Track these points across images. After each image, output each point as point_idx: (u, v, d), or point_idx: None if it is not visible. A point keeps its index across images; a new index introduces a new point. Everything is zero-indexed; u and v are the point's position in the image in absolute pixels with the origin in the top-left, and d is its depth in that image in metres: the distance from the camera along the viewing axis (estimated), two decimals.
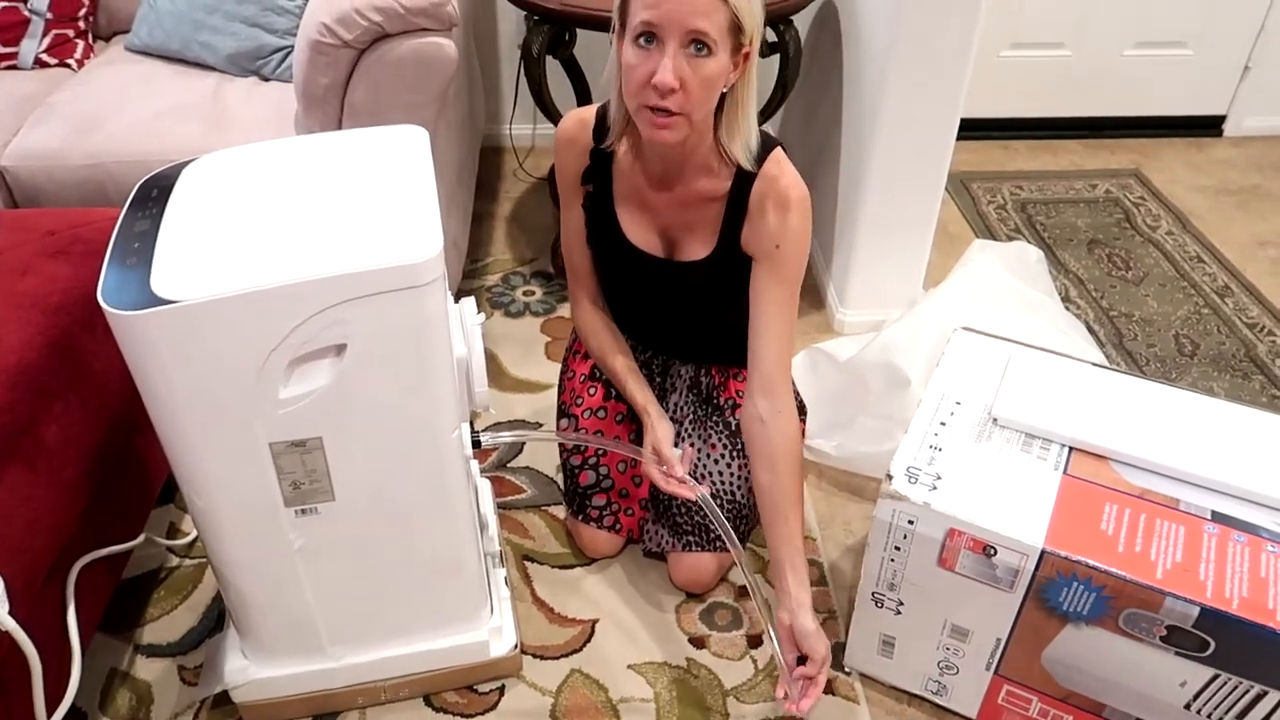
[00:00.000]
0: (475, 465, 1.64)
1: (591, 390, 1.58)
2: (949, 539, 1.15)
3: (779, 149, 1.30)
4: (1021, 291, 1.85)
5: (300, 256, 0.99)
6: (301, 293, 0.97)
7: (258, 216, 1.05)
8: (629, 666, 1.42)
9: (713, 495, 1.46)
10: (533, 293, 2.20)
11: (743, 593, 1.53)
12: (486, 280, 2.24)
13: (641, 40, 1.15)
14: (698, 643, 1.45)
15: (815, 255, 2.28)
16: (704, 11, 1.11)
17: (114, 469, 1.30)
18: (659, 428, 1.42)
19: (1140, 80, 2.84)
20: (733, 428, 1.52)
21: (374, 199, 1.08)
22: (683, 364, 1.58)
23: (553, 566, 1.58)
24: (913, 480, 1.18)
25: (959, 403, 1.29)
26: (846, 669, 1.41)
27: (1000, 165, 2.77)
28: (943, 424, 1.26)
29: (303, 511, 1.14)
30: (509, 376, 1.95)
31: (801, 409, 1.51)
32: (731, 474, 1.50)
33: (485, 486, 1.64)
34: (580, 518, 1.54)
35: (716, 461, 1.50)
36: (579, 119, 1.38)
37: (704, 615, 1.50)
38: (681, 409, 1.56)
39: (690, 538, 1.48)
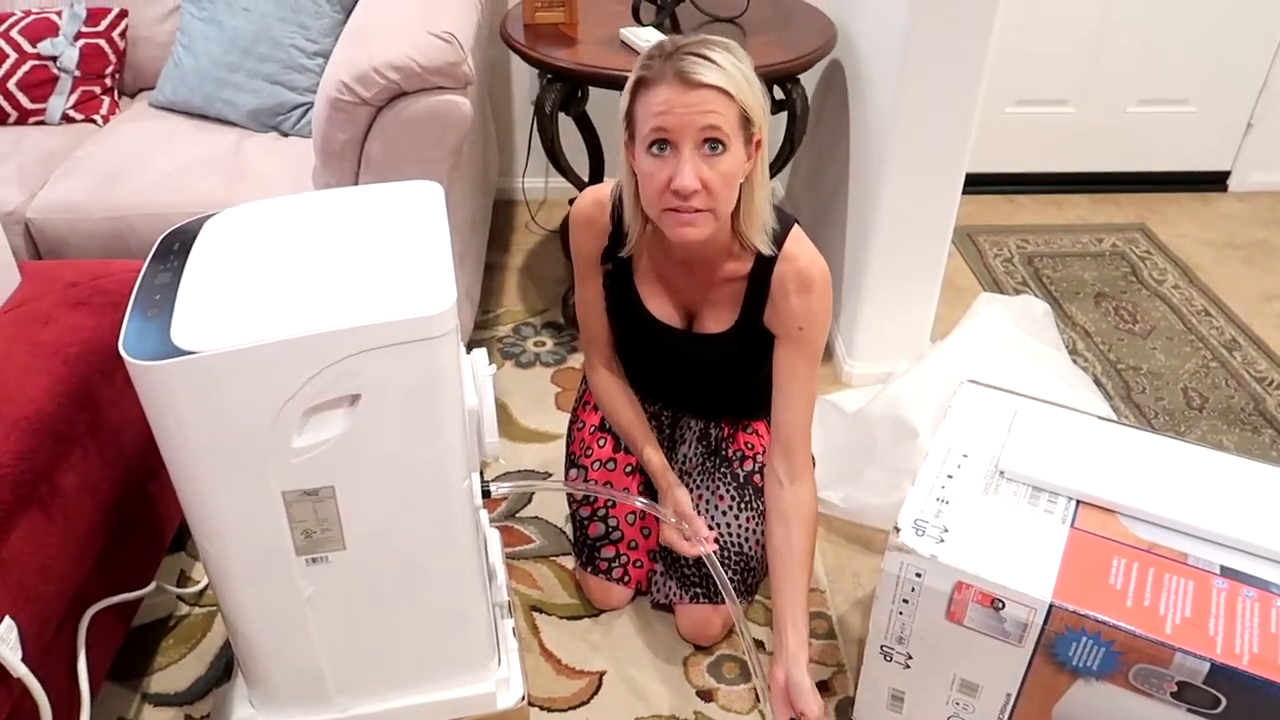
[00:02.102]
0: (485, 515, 1.65)
1: (601, 442, 1.59)
2: (957, 592, 1.15)
3: (796, 226, 1.33)
4: (1028, 344, 1.86)
5: (317, 309, 1.01)
6: (317, 344, 0.99)
7: (276, 270, 1.08)
8: (638, 719, 1.41)
9: (720, 546, 1.47)
10: (544, 343, 2.22)
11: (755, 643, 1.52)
12: (498, 331, 2.26)
13: (655, 148, 1.18)
14: (706, 695, 1.45)
15: None
16: (714, 110, 1.14)
17: (128, 517, 1.31)
18: (678, 492, 1.46)
19: (1144, 136, 2.88)
20: (740, 480, 1.53)
21: (389, 253, 1.10)
22: (693, 416, 1.59)
23: (561, 617, 1.58)
24: (920, 533, 1.18)
25: (966, 455, 1.30)
26: None
27: (1006, 219, 2.80)
28: (950, 477, 1.27)
29: (314, 560, 1.15)
30: (519, 426, 1.97)
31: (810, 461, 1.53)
32: (740, 526, 1.50)
33: (494, 536, 1.65)
34: (589, 569, 1.54)
35: (724, 513, 1.50)
36: (595, 200, 1.39)
37: (712, 668, 1.49)
38: (690, 460, 1.57)
39: (697, 589, 1.48)
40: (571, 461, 1.61)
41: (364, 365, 1.01)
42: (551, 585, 1.63)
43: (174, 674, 1.47)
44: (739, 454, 1.56)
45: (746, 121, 1.19)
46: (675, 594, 1.50)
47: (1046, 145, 2.88)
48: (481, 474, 1.81)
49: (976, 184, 2.85)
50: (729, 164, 1.18)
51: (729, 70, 1.15)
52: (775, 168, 2.01)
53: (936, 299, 2.04)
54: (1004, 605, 1.13)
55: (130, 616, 1.38)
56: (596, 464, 1.57)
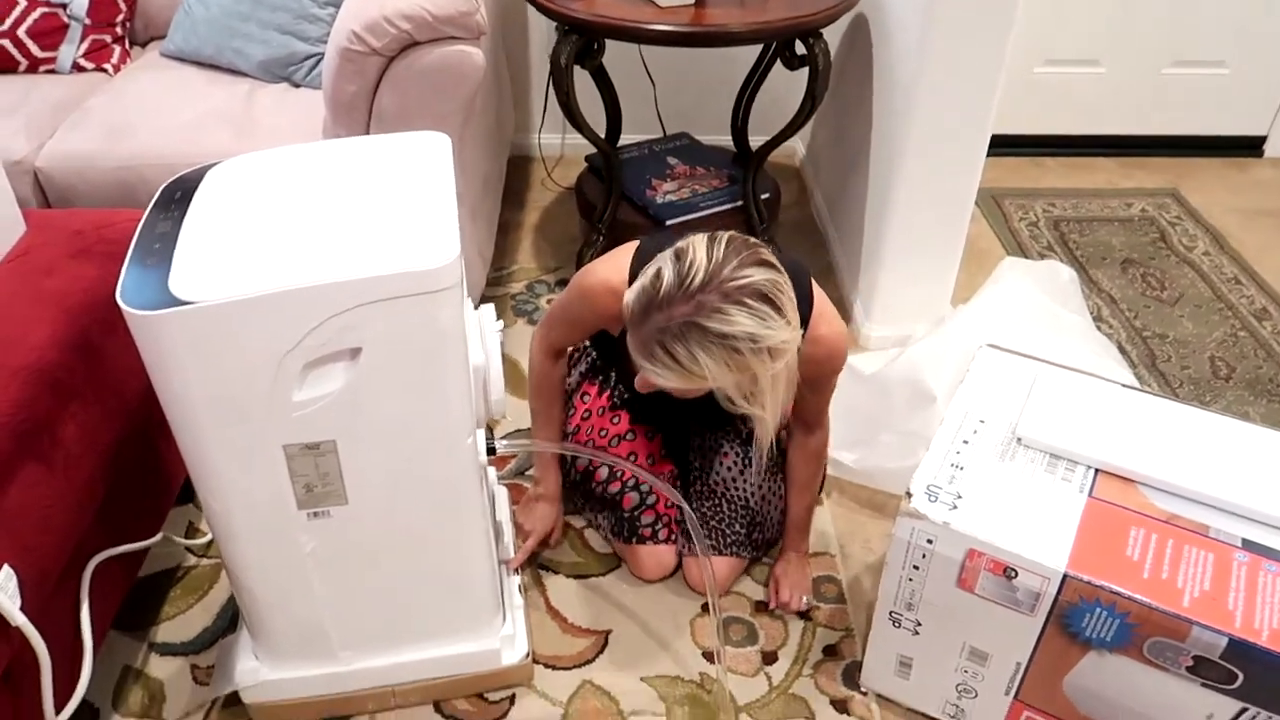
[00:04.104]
0: (492, 472, 1.64)
1: (616, 419, 1.58)
2: (968, 560, 1.13)
3: (818, 297, 1.28)
4: (1051, 310, 1.82)
5: (317, 260, 0.99)
6: (317, 296, 0.97)
7: (277, 220, 1.05)
8: (641, 679, 1.40)
9: (726, 501, 1.49)
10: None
11: (759, 608, 1.51)
12: (511, 288, 2.24)
13: None
14: (711, 657, 1.43)
15: (842, 270, 2.26)
16: (687, 389, 1.14)
17: (132, 468, 1.31)
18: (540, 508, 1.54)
19: (1177, 99, 2.80)
20: (744, 436, 1.52)
21: (393, 204, 1.08)
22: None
23: (567, 576, 1.57)
24: (933, 499, 1.16)
25: (983, 421, 1.27)
26: (863, 689, 1.38)
27: (1033, 182, 2.74)
28: (965, 442, 1.24)
29: (315, 515, 1.14)
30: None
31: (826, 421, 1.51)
32: (744, 481, 1.50)
33: (502, 494, 1.64)
34: (635, 540, 1.52)
35: (729, 469, 1.50)
36: (612, 291, 1.26)
37: (720, 630, 1.48)
38: (694, 423, 1.56)
39: (707, 541, 1.48)
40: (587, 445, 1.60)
41: (365, 318, 0.99)
42: (560, 544, 1.62)
43: (181, 624, 1.47)
44: (740, 414, 1.54)
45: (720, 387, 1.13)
46: (685, 545, 1.50)
47: (1076, 107, 2.80)
48: (490, 431, 1.80)
49: (1003, 146, 2.78)
50: (693, 394, 1.18)
51: (690, 371, 1.08)
52: (796, 125, 1.96)
53: (958, 262, 2.00)
54: (1016, 574, 1.10)
55: (136, 567, 1.38)
56: (615, 439, 1.55)
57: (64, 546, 1.11)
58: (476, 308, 1.34)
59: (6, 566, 0.99)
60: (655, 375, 1.13)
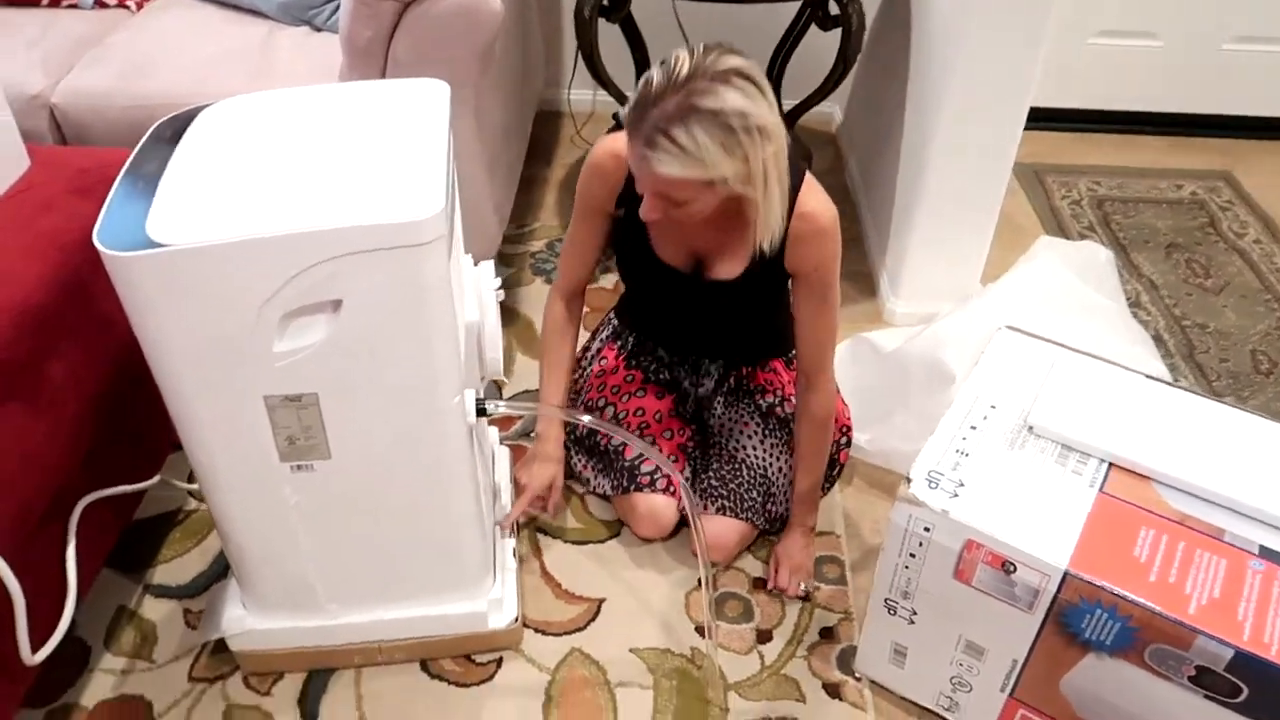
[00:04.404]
0: (494, 432, 1.61)
1: (630, 377, 1.55)
2: (966, 551, 1.08)
3: (808, 177, 1.28)
4: (1084, 293, 1.74)
5: (298, 208, 0.96)
6: (295, 244, 0.94)
7: (263, 164, 1.02)
8: (631, 650, 1.38)
9: (745, 468, 1.47)
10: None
11: (757, 584, 1.48)
12: (531, 245, 2.20)
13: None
14: (705, 632, 1.40)
15: (870, 241, 2.19)
16: (671, 185, 1.13)
17: (127, 411, 1.30)
18: (537, 467, 1.48)
19: (1237, 77, 2.66)
20: (763, 410, 1.50)
21: (383, 153, 1.04)
22: (711, 362, 1.54)
23: (566, 541, 1.54)
24: (933, 485, 1.11)
25: (994, 406, 1.21)
26: (856, 674, 1.35)
27: (1079, 159, 2.63)
28: (973, 428, 1.18)
29: (298, 468, 1.12)
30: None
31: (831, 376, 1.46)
32: (764, 451, 1.48)
33: (504, 454, 1.61)
34: (633, 488, 1.48)
35: (750, 438, 1.49)
36: (612, 153, 1.32)
37: (714, 604, 1.45)
38: (712, 399, 1.54)
39: (724, 502, 1.45)
40: (591, 407, 1.57)
41: (345, 269, 0.96)
42: (561, 508, 1.59)
43: (177, 567, 1.48)
44: (759, 388, 1.52)
45: (710, 183, 1.13)
46: (696, 504, 1.46)
47: (1129, 81, 2.67)
48: (499, 389, 1.78)
49: (1049, 119, 2.68)
50: (695, 208, 1.17)
51: (692, 155, 1.09)
52: (826, 89, 1.89)
53: (990, 238, 1.92)
54: (1015, 569, 1.05)
55: (131, 510, 1.38)
56: (626, 396, 1.53)
57: (47, 486, 1.11)
58: (476, 264, 1.31)
59: None
60: (659, 163, 1.11)
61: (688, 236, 1.33)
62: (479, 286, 1.25)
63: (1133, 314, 1.93)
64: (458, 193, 1.26)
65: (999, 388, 1.24)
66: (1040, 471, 1.13)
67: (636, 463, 1.48)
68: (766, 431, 1.49)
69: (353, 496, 1.16)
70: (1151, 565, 1.02)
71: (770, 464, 1.48)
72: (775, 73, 2.26)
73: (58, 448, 1.12)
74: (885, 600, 1.21)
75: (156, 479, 1.39)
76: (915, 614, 1.19)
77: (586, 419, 1.26)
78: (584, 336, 1.69)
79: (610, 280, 2.07)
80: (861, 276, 2.14)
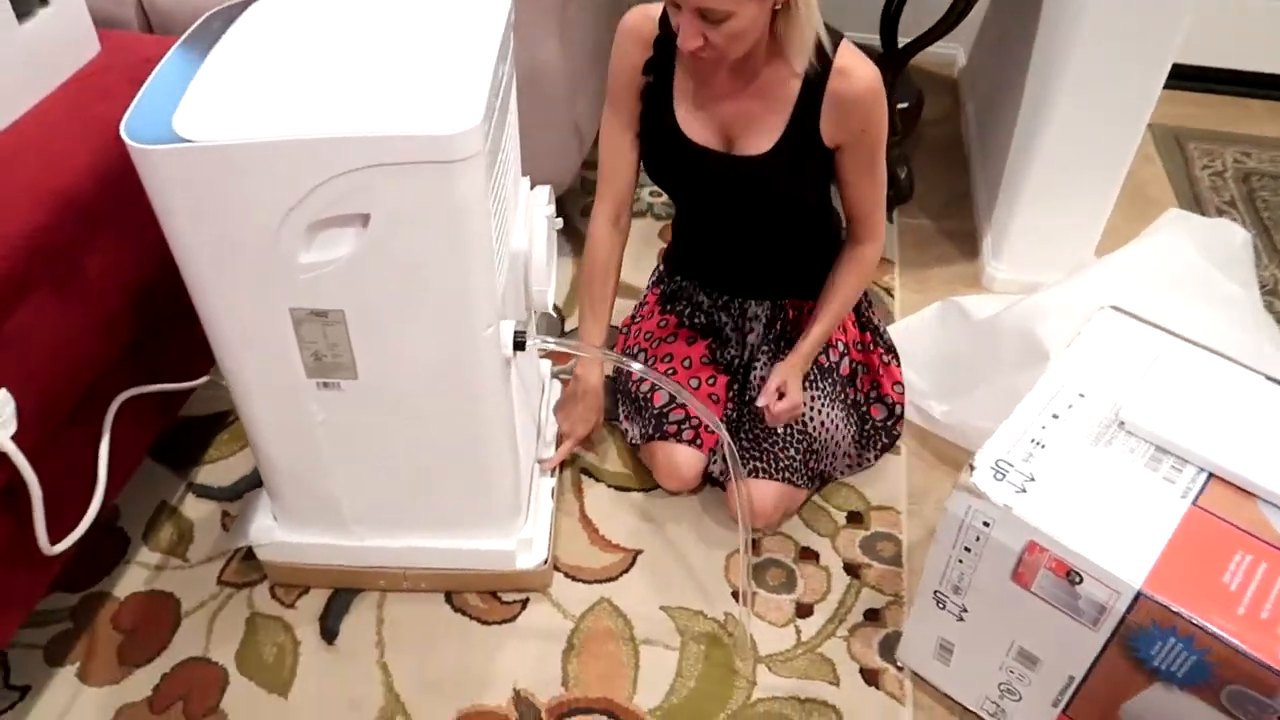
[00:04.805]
0: (546, 365, 1.55)
1: (664, 322, 1.48)
2: (1028, 553, 0.97)
3: (845, 39, 1.19)
4: (1210, 276, 1.55)
5: (329, 112, 0.90)
6: (321, 150, 0.88)
7: (303, 64, 0.96)
8: (661, 607, 1.32)
9: (782, 428, 1.38)
10: (660, 193, 2.05)
11: (804, 554, 1.39)
12: None
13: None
14: (740, 598, 1.33)
15: (978, 197, 2.02)
16: (731, 30, 1.08)
17: (174, 309, 1.28)
18: (578, 409, 1.43)
19: None
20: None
21: (429, 62, 0.96)
22: (758, 304, 1.44)
23: (609, 485, 1.48)
24: (999, 476, 0.99)
25: (1082, 395, 1.08)
26: (898, 663, 1.26)
27: (1229, 125, 2.36)
28: (1055, 416, 1.06)
29: (325, 385, 1.08)
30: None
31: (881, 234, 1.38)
32: (807, 405, 1.38)
33: (555, 388, 1.55)
34: (658, 436, 1.41)
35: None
36: (644, 13, 1.26)
37: (756, 570, 1.37)
38: (758, 348, 1.44)
39: (756, 463, 1.36)
40: (632, 352, 1.50)
41: (373, 182, 0.90)
42: (607, 450, 1.53)
43: (221, 469, 1.48)
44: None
45: None
46: (724, 466, 1.38)
47: None
48: (561, 322, 1.72)
49: (1197, 78, 2.42)
50: (732, 27, 1.09)
51: None
52: (943, 28, 1.72)
53: (1111, 205, 1.74)
54: (1081, 580, 0.94)
55: (175, 408, 1.38)
56: (658, 341, 1.45)
57: (77, 378, 1.10)
58: (532, 187, 1.23)
59: (4, 391, 0.97)
60: None
61: (716, 106, 1.25)
62: (529, 211, 1.18)
63: (1266, 305, 1.72)
64: (522, 112, 1.19)
65: (1091, 373, 1.11)
66: (1126, 474, 1.00)
67: (665, 410, 1.40)
68: (808, 382, 1.39)
69: (380, 420, 1.12)
70: (1242, 596, 0.89)
71: (811, 418, 1.38)
72: (894, 6, 2.08)
73: (92, 340, 1.10)
74: (935, 592, 1.11)
75: (205, 379, 1.38)
76: (965, 611, 1.09)
77: (637, 366, 1.18)
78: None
79: None
80: (962, 235, 1.98)
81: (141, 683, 1.21)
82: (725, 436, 1.16)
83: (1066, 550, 0.94)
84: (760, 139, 1.24)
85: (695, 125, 1.27)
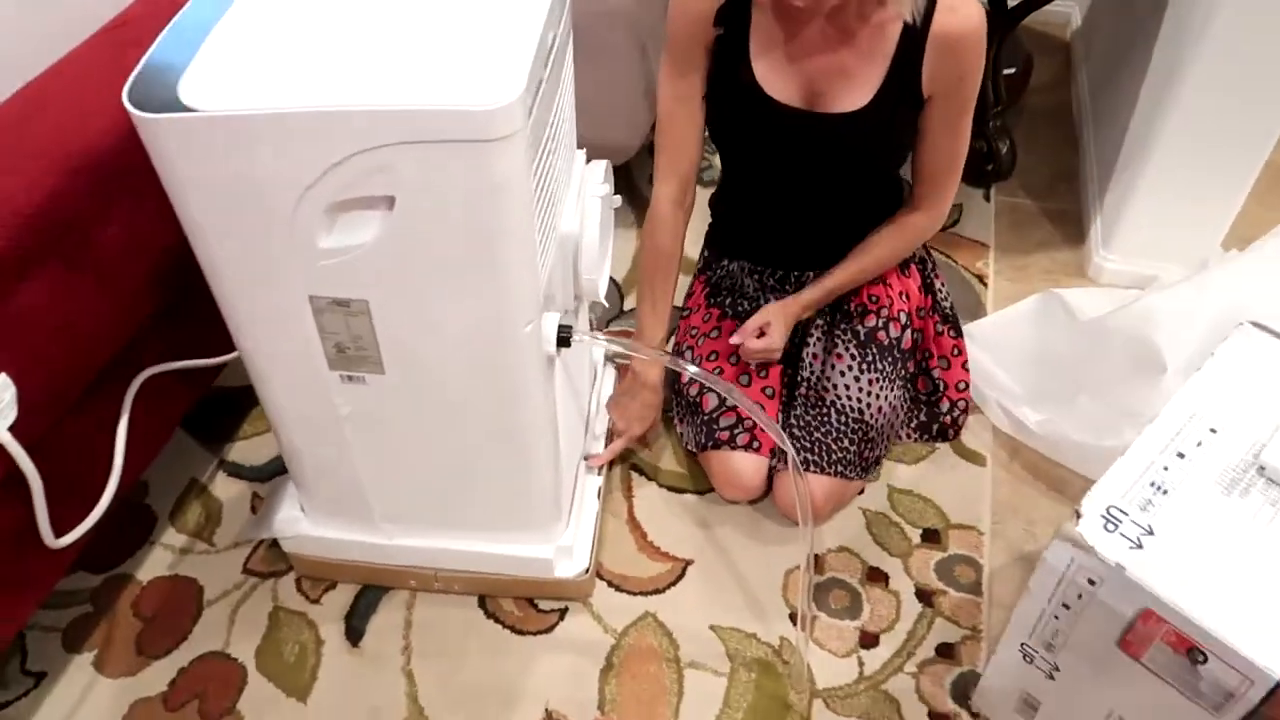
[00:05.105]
0: (599, 353, 1.43)
1: (708, 315, 1.35)
2: (1141, 621, 0.83)
3: None
4: None
5: (352, 82, 0.79)
6: (340, 124, 0.76)
7: (326, 28, 0.85)
8: (712, 627, 1.21)
9: (835, 411, 1.25)
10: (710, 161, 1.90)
11: (872, 575, 1.26)
12: None
13: None
14: (798, 621, 1.21)
15: (1087, 174, 1.82)
16: None
17: (201, 278, 1.19)
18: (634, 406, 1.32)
19: None
20: (861, 337, 1.28)
21: (467, 25, 0.84)
22: (815, 276, 1.30)
23: (661, 485, 1.37)
24: (1111, 527, 0.85)
25: (1214, 430, 0.92)
26: (973, 709, 1.13)
27: None
28: (1180, 455, 0.90)
29: (349, 379, 0.98)
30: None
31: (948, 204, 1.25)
32: (859, 389, 1.25)
33: (609, 377, 1.44)
34: (711, 445, 1.28)
35: (842, 374, 1.26)
36: None
37: (817, 591, 1.25)
38: (811, 323, 1.32)
39: (809, 455, 1.23)
40: (680, 351, 1.37)
41: (398, 161, 0.78)
42: (663, 447, 1.41)
43: (254, 446, 1.41)
44: (861, 308, 1.30)
45: None
46: (776, 461, 1.26)
47: None
48: (621, 300, 1.59)
49: None
50: None
51: None
52: None
53: (1246, 191, 1.53)
54: (1206, 659, 0.79)
55: (206, 381, 1.30)
56: (702, 338, 1.33)
57: (89, 359, 1.02)
58: (588, 161, 1.11)
59: (3, 376, 0.89)
60: None
61: (804, 60, 1.11)
62: (582, 190, 1.05)
63: None
64: (585, 69, 1.06)
65: (1226, 404, 0.95)
66: (1267, 532, 0.85)
67: (715, 415, 1.27)
68: (864, 364, 1.25)
69: (408, 417, 1.02)
70: None
71: (868, 404, 1.25)
72: None
73: (105, 319, 1.02)
74: (1022, 645, 0.98)
75: (235, 353, 1.30)
76: (1057, 670, 0.96)
77: (692, 369, 1.05)
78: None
79: None
80: (1068, 217, 1.79)
81: (158, 676, 1.15)
82: (790, 450, 1.03)
83: (1191, 624, 0.79)
84: (853, 94, 1.11)
85: (777, 81, 1.13)
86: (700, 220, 1.37)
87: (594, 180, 1.06)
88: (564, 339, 1.00)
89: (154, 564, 1.26)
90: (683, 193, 1.26)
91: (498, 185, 0.81)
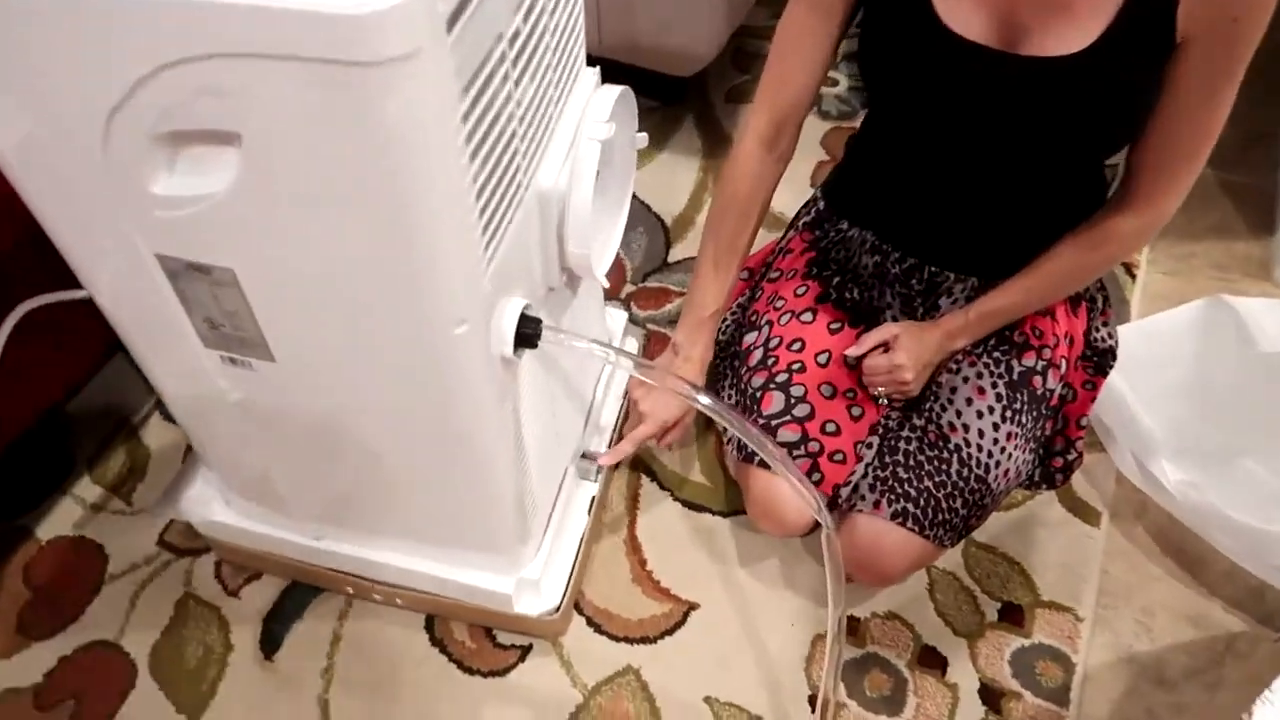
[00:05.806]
0: (618, 315, 1.15)
1: (802, 289, 1.01)
2: None
3: None
4: None
5: None
6: (139, 18, 0.48)
7: None
8: (706, 699, 0.95)
9: (958, 460, 0.92)
10: (834, 80, 1.55)
11: (925, 657, 0.98)
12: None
13: None
14: (817, 707, 0.94)
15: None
16: None
17: None
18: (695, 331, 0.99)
19: None
20: (1014, 376, 0.95)
21: None
22: (960, 280, 0.96)
23: (676, 498, 1.10)
24: None
25: None
26: None
27: None
28: None
29: (231, 360, 0.73)
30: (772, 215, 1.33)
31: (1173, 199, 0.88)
32: (991, 441, 0.93)
33: (630, 346, 1.16)
34: (758, 460, 0.98)
35: (980, 415, 0.93)
36: None
37: (851, 669, 0.97)
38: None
39: (907, 505, 0.91)
40: (758, 323, 1.05)
41: (234, 82, 0.51)
42: (693, 452, 1.14)
43: None
44: (1023, 340, 0.96)
45: None
46: (864, 499, 0.94)
47: None
48: (667, 245, 1.31)
49: None
50: None
51: None
52: None
53: None
54: None
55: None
56: (788, 316, 1.01)
57: None
58: (603, 81, 0.80)
59: None
60: None
61: None
62: (579, 130, 0.75)
63: None
64: None
65: None
66: None
67: (774, 421, 0.96)
68: (1009, 412, 0.93)
69: (315, 413, 0.77)
70: None
71: (997, 461, 0.92)
72: None
73: None
74: None
75: None
76: None
77: (704, 401, 0.76)
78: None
79: None
80: (1256, 195, 1.39)
81: (35, 663, 0.97)
82: (827, 523, 0.74)
83: None
84: (1071, 31, 0.77)
85: (963, 14, 0.81)
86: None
87: (597, 115, 0.75)
88: (528, 337, 0.72)
89: (59, 520, 1.07)
90: (775, 132, 0.93)
91: (392, 130, 0.52)
